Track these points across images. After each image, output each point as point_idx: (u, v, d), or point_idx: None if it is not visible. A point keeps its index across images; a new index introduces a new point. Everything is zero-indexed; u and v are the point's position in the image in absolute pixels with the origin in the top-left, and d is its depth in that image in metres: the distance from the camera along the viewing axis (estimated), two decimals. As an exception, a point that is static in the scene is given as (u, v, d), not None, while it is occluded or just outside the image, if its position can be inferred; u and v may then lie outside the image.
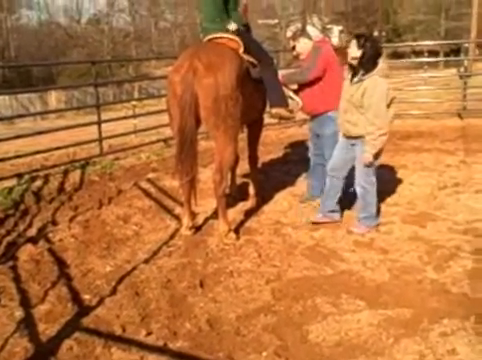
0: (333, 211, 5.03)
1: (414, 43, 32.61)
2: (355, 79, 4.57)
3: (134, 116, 9.66)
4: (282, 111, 5.27)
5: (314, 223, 5.00)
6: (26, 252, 4.51)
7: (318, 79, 5.16)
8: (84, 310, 3.54)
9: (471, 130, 9.45)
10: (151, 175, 7.13)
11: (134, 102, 10.75)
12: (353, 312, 3.39)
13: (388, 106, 4.55)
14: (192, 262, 4.26)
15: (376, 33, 32.65)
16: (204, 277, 3.98)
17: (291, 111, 5.39)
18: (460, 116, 10.61)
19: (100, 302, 3.63)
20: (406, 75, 14.47)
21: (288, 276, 3.96)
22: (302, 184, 6.21)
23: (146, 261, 4.32)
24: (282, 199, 5.84)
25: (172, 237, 4.85)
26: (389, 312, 3.36)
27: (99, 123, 8.08)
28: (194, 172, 4.54)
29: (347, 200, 5.17)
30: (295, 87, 5.40)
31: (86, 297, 3.74)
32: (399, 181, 6.26)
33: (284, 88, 5.31)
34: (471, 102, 11.12)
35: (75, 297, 3.73)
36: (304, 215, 5.26)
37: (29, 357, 3.01)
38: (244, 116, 4.75)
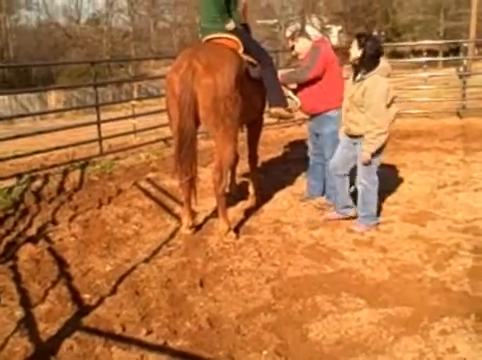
0: (346, 207, 5.01)
1: (413, 43, 32.63)
2: (357, 78, 4.59)
3: (133, 116, 9.64)
4: (281, 111, 5.27)
5: (327, 220, 5.01)
6: (26, 252, 4.51)
7: (317, 79, 5.16)
8: (84, 309, 3.54)
9: (470, 129, 9.47)
10: (151, 175, 7.13)
11: (133, 102, 10.72)
12: (353, 310, 3.39)
13: (389, 105, 4.55)
14: (192, 261, 4.26)
15: (375, 33, 32.68)
16: (204, 276, 3.98)
17: (290, 111, 5.39)
18: (459, 115, 10.62)
19: (100, 301, 3.64)
20: (405, 74, 14.45)
21: (288, 275, 3.97)
22: (302, 183, 6.21)
23: (146, 260, 4.33)
24: (282, 198, 5.84)
25: (172, 236, 4.86)
26: (389, 310, 3.37)
27: (98, 123, 8.07)
28: (194, 172, 4.54)
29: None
30: (294, 87, 5.40)
31: (86, 296, 3.75)
32: (399, 180, 6.27)
33: (283, 88, 5.31)
34: (470, 101, 11.16)
35: (75, 296, 3.73)
36: (304, 214, 5.27)
37: (29, 356, 3.01)
38: (244, 116, 4.75)
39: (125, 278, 4.00)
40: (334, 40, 38.51)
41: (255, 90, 5.01)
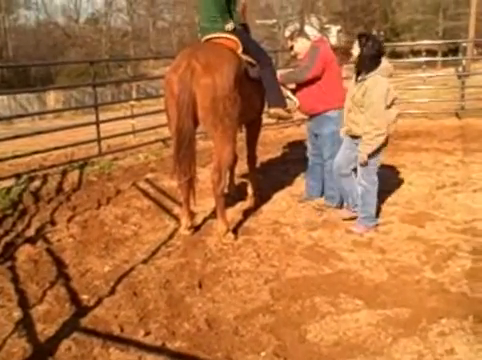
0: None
1: (412, 43, 32.65)
2: (359, 78, 4.59)
3: (132, 116, 9.64)
4: (280, 111, 5.27)
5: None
6: (24, 252, 4.51)
7: (316, 79, 5.15)
8: (82, 310, 3.53)
9: (469, 129, 9.46)
10: (150, 175, 7.12)
11: (132, 102, 10.71)
12: (351, 312, 3.39)
13: (389, 107, 4.55)
14: (191, 262, 4.26)
15: (374, 32, 32.66)
16: (203, 277, 3.98)
17: (289, 111, 5.39)
18: (458, 116, 10.62)
19: (98, 302, 3.63)
20: (404, 74, 14.46)
21: (286, 276, 3.96)
22: (300, 184, 6.21)
23: (145, 261, 4.32)
24: (280, 199, 5.84)
25: (171, 237, 4.85)
26: (388, 312, 3.36)
27: (97, 123, 8.06)
28: (192, 172, 4.53)
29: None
30: (293, 87, 5.40)
31: (84, 297, 3.74)
32: (397, 180, 6.27)
33: (282, 88, 5.31)
34: (469, 101, 11.15)
35: (73, 297, 3.73)
36: (302, 215, 5.27)
37: (27, 357, 3.01)
38: (242, 116, 4.75)
39: (123, 279, 3.99)
40: (333, 40, 38.52)
41: (254, 90, 5.01)
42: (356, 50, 4.58)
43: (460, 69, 13.01)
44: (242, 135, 5.70)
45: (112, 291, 3.80)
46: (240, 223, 5.14)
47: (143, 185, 6.66)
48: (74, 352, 3.04)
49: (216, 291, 3.76)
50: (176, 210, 5.53)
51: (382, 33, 40.04)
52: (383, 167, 4.83)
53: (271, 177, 6.75)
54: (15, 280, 4.01)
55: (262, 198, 5.76)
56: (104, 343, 3.11)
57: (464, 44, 23.10)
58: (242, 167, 6.25)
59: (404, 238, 4.59)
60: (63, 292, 3.80)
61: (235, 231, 4.87)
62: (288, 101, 5.40)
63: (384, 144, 4.62)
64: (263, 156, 7.66)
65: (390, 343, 3.03)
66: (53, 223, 5.34)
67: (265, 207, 5.60)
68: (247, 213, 5.39)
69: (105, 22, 37.87)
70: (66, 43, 36.38)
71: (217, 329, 3.27)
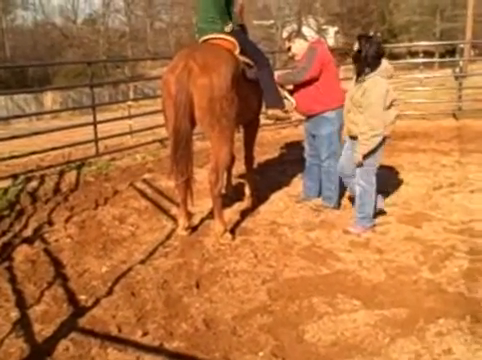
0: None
1: (410, 44, 32.66)
2: (359, 79, 4.60)
3: (130, 117, 9.64)
4: (278, 112, 5.27)
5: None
6: (22, 253, 4.50)
7: (314, 80, 5.16)
8: (80, 311, 3.53)
9: (466, 130, 9.49)
10: (147, 176, 7.12)
11: (130, 102, 10.71)
12: (349, 312, 3.39)
13: (388, 108, 4.55)
14: (188, 262, 4.26)
15: (372, 33, 32.66)
16: (200, 277, 3.98)
17: (287, 112, 5.39)
18: (455, 116, 10.64)
19: (96, 303, 3.63)
20: (401, 75, 14.47)
21: (284, 276, 3.97)
22: (298, 184, 6.22)
23: (142, 261, 4.32)
24: (278, 199, 5.84)
25: (168, 237, 4.85)
26: (385, 312, 3.37)
27: (95, 124, 8.06)
28: (189, 172, 4.53)
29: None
30: (290, 88, 5.41)
31: (82, 298, 3.74)
32: (395, 181, 6.28)
33: (279, 88, 5.32)
34: (466, 103, 11.18)
35: (71, 298, 3.73)
36: (300, 215, 5.27)
37: (25, 358, 3.00)
38: (240, 117, 4.75)
39: (121, 279, 3.99)
40: (331, 41, 38.55)
41: (251, 91, 5.01)
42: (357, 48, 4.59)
43: (457, 70, 13.01)
44: (239, 136, 5.70)
45: (110, 291, 3.80)
46: (237, 223, 5.15)
47: (140, 185, 6.66)
48: (72, 352, 3.04)
49: (214, 291, 3.76)
50: (173, 210, 5.53)
51: (379, 34, 40.01)
52: (380, 168, 4.83)
53: (268, 178, 6.75)
54: (13, 280, 4.00)
55: (259, 198, 5.77)
56: (102, 343, 3.11)
57: (461, 45, 23.11)
58: (239, 168, 6.26)
59: (401, 238, 4.60)
60: (61, 292, 3.80)
61: (232, 231, 4.87)
62: (286, 102, 5.40)
63: (381, 144, 4.62)
64: (260, 157, 7.67)
65: (388, 343, 3.04)
66: (51, 223, 5.33)
67: (262, 207, 5.60)
68: (244, 213, 5.40)
69: (103, 23, 37.81)
70: (64, 44, 36.31)
71: (215, 329, 3.27)
